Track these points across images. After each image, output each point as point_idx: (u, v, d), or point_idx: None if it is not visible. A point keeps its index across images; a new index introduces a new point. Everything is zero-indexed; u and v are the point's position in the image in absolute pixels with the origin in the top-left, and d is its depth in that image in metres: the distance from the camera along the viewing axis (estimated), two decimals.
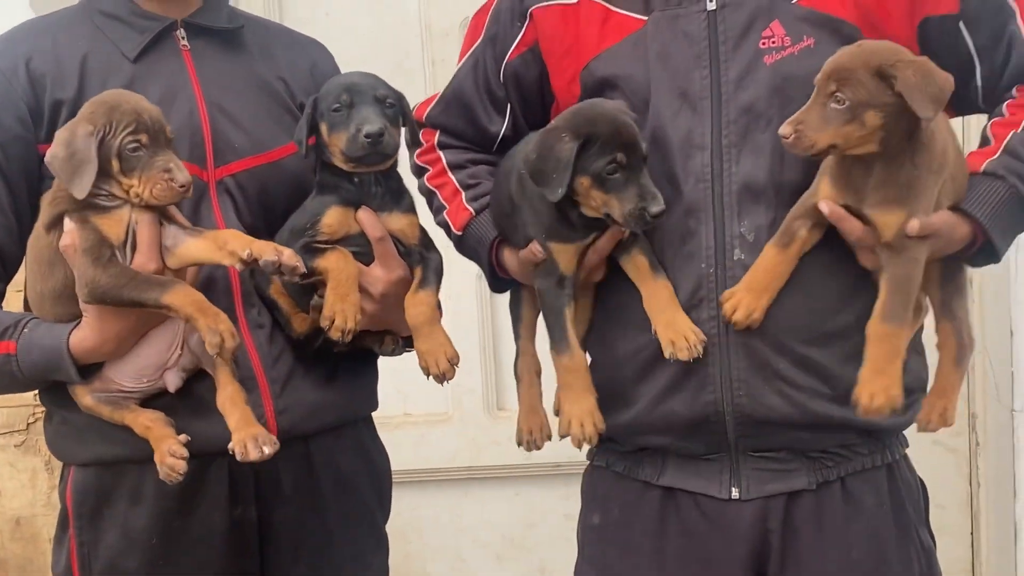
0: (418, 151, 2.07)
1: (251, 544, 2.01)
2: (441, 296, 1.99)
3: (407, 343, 2.05)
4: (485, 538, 3.63)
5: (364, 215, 1.93)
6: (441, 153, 2.04)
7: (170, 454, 1.82)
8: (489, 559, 3.64)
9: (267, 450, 1.82)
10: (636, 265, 1.82)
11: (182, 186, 1.78)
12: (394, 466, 2.26)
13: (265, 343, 1.98)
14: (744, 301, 1.73)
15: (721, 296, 1.76)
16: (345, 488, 2.10)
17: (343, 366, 2.07)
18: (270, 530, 2.02)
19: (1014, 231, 1.79)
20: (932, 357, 1.89)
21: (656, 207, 1.70)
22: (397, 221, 1.96)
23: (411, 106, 2.01)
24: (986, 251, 1.76)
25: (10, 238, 1.95)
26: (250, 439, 1.82)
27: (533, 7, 1.93)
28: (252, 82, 2.07)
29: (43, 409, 2.04)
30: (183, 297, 1.77)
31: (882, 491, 1.86)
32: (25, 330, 1.87)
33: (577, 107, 1.81)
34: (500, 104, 2.01)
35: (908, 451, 1.93)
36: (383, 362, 2.16)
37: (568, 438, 1.85)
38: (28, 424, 3.46)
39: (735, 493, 1.84)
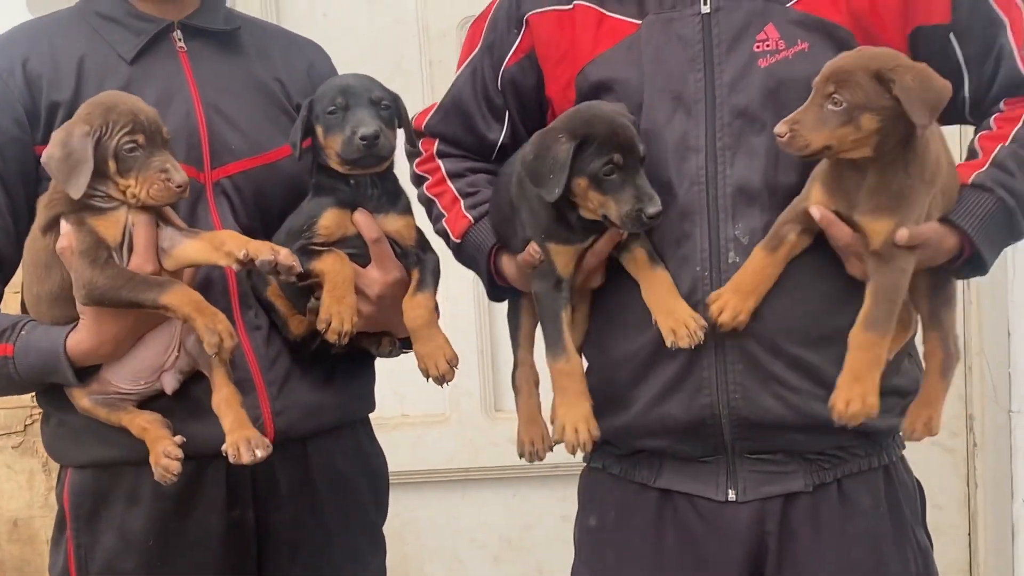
0: (417, 160, 2.08)
1: (248, 546, 2.01)
2: (439, 298, 1.99)
3: (404, 344, 2.05)
4: (482, 539, 3.64)
5: (360, 217, 1.93)
6: (440, 162, 2.04)
7: (165, 455, 1.83)
8: (486, 560, 3.64)
9: (259, 453, 1.82)
10: (634, 257, 1.82)
11: (179, 186, 1.78)
12: (391, 467, 2.26)
13: (262, 345, 1.98)
14: (731, 303, 1.73)
15: (708, 297, 1.76)
16: (342, 489, 2.10)
17: (340, 368, 2.07)
18: (267, 532, 2.02)
19: (1001, 243, 1.79)
20: None
21: (653, 208, 1.70)
22: (393, 223, 1.96)
23: (407, 108, 2.01)
24: (973, 263, 1.77)
25: (7, 240, 1.95)
26: (243, 441, 1.82)
27: (529, 13, 1.93)
28: (249, 83, 2.07)
29: (40, 411, 2.05)
30: (181, 297, 1.77)
31: (879, 493, 1.86)
32: (22, 332, 1.87)
33: (575, 109, 1.81)
34: (498, 112, 2.01)
35: (905, 452, 1.94)
36: (381, 363, 2.16)
37: (562, 444, 1.85)
38: (26, 426, 3.47)
39: (732, 495, 1.84)
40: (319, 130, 1.93)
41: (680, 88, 1.80)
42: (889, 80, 1.61)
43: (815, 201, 1.71)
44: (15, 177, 1.94)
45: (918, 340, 1.90)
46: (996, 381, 3.28)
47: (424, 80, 3.44)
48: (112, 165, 1.77)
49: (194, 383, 1.91)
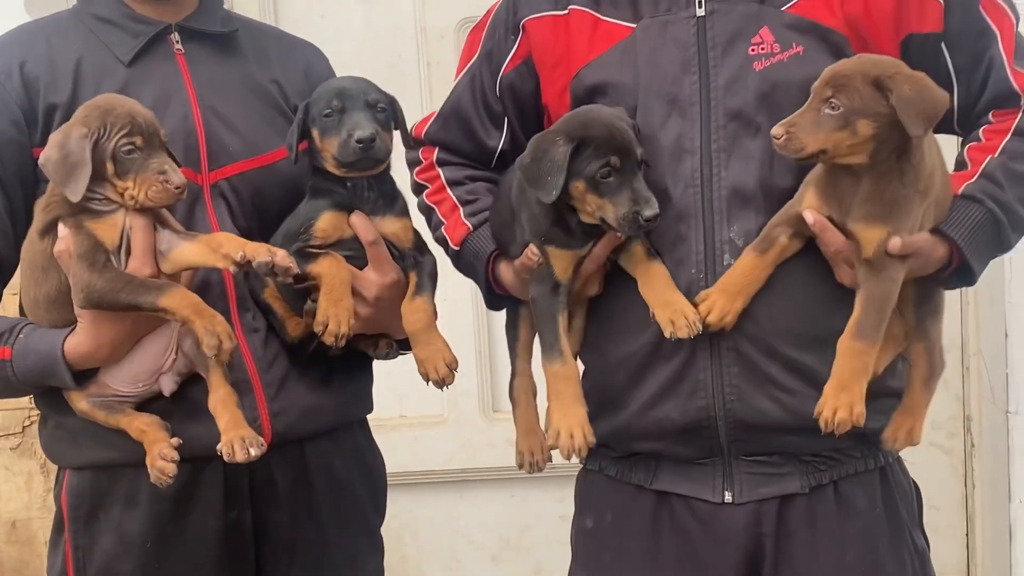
0: (417, 169, 2.08)
1: (246, 547, 2.01)
2: (437, 299, 1.99)
3: (401, 346, 2.05)
4: (481, 540, 3.64)
5: (357, 219, 1.94)
6: (440, 170, 2.04)
7: (160, 457, 1.83)
8: (485, 561, 3.64)
9: (254, 451, 1.82)
10: (632, 254, 1.82)
11: (177, 188, 1.78)
12: (389, 468, 2.26)
13: (260, 347, 1.99)
14: (718, 303, 1.74)
15: (696, 297, 1.76)
16: (340, 491, 2.10)
17: (338, 369, 2.07)
18: (265, 533, 2.02)
19: (989, 255, 1.80)
20: None
21: (649, 211, 1.70)
22: (390, 225, 1.96)
23: (405, 109, 2.01)
24: (961, 273, 1.78)
25: (5, 242, 1.95)
26: (237, 440, 1.82)
27: (525, 19, 1.94)
28: (246, 85, 2.07)
29: (39, 412, 2.05)
30: (180, 300, 1.77)
31: (875, 494, 1.87)
32: (20, 335, 1.87)
33: (573, 112, 1.82)
34: (497, 118, 2.01)
35: (903, 453, 1.93)
36: (378, 364, 2.16)
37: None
38: (24, 427, 3.46)
39: (728, 497, 1.84)
40: (315, 133, 1.93)
41: (675, 91, 1.81)
42: (887, 88, 1.62)
43: (809, 205, 1.72)
44: (13, 179, 1.94)
45: None
46: (994, 382, 3.27)
47: (422, 81, 3.44)
48: (110, 167, 1.77)
49: (192, 385, 1.92)
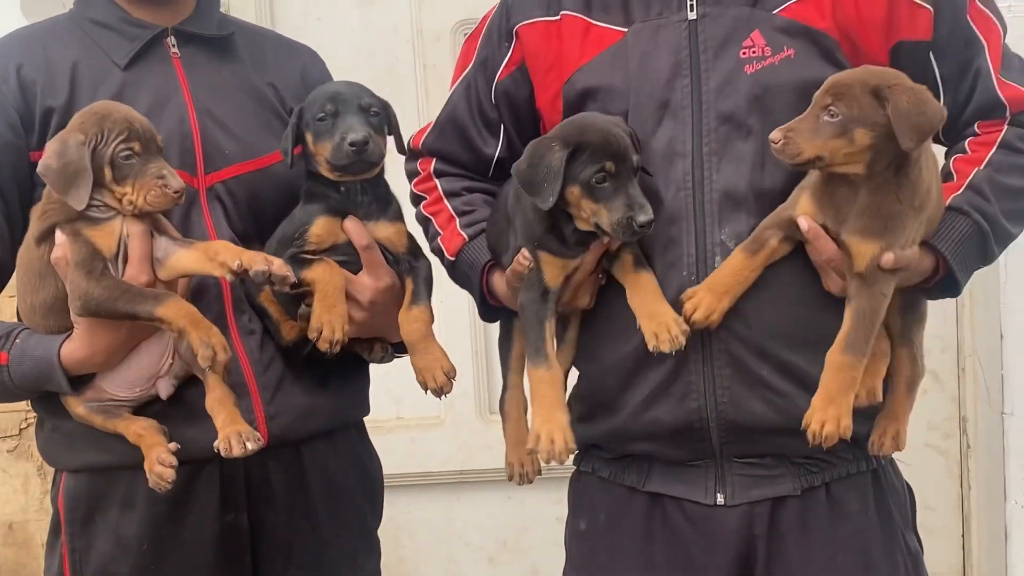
0: (415, 180, 2.08)
1: (242, 550, 2.01)
2: (434, 301, 1.99)
3: (396, 349, 2.05)
4: (477, 542, 3.64)
5: (350, 224, 1.94)
6: (437, 181, 2.04)
7: (159, 462, 1.83)
8: (481, 562, 3.64)
9: (250, 445, 1.83)
10: (621, 262, 1.82)
11: (176, 192, 1.79)
12: (386, 470, 2.27)
13: (256, 349, 1.99)
14: (705, 301, 1.74)
15: (683, 295, 1.76)
16: (337, 493, 2.10)
17: (334, 372, 2.07)
18: (261, 536, 2.02)
19: (973, 266, 1.81)
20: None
21: (644, 217, 1.70)
22: (384, 229, 1.97)
23: (401, 112, 2.02)
24: (946, 284, 1.79)
25: (2, 245, 1.95)
26: (234, 435, 1.83)
27: (518, 26, 1.94)
28: (242, 88, 2.08)
29: (36, 415, 2.05)
30: (176, 310, 1.78)
31: (867, 496, 1.87)
32: (17, 341, 1.88)
33: (569, 119, 1.82)
34: (493, 126, 2.01)
35: (898, 454, 1.94)
36: (375, 366, 2.16)
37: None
38: (21, 429, 3.46)
39: (720, 499, 1.84)
40: (309, 137, 1.94)
41: (667, 94, 1.81)
42: (885, 98, 1.63)
43: (803, 211, 1.72)
44: (10, 183, 1.94)
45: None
46: (989, 383, 3.28)
47: (418, 84, 3.44)
48: (108, 173, 1.78)
49: (188, 388, 1.92)
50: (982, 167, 1.76)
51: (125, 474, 1.93)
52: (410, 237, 2.01)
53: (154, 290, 1.80)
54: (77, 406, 1.90)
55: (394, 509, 2.40)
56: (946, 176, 1.80)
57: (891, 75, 1.67)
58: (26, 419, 3.42)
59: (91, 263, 1.78)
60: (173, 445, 1.85)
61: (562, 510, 2.07)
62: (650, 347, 1.75)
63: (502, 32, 1.97)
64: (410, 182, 2.09)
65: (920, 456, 3.22)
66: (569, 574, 2.02)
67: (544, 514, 3.48)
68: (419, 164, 2.07)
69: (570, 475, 2.07)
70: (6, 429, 3.48)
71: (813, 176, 1.73)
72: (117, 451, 1.89)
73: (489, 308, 2.00)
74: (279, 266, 1.79)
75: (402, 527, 3.56)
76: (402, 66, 3.46)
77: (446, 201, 2.02)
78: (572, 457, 1.99)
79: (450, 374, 1.94)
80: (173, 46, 2.03)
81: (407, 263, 1.98)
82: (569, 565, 2.02)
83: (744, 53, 1.79)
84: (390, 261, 1.97)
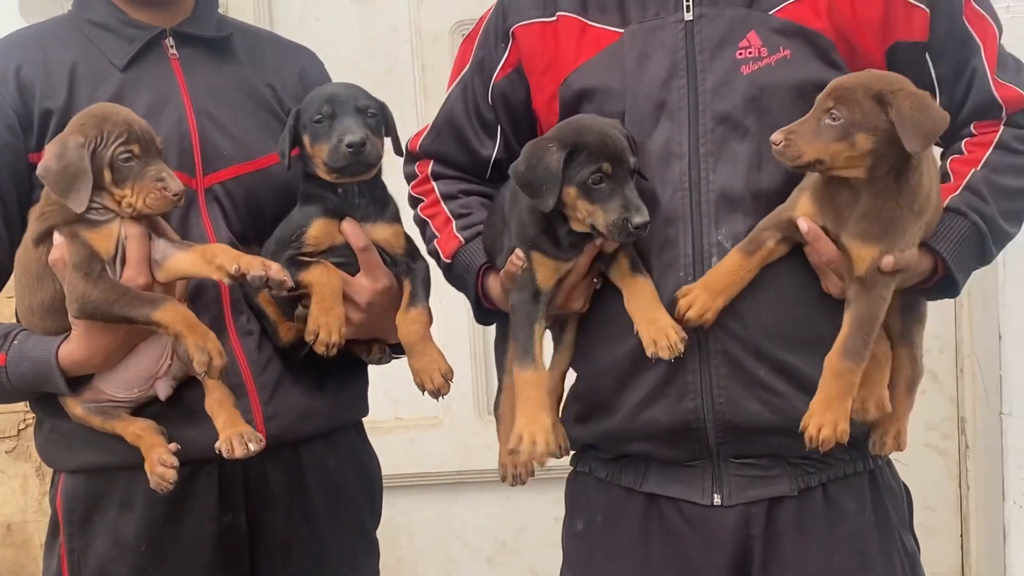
0: (413, 182, 2.09)
1: (241, 550, 2.01)
2: (432, 302, 2.00)
3: (394, 350, 2.05)
4: (476, 542, 3.64)
5: (348, 226, 1.94)
6: (434, 183, 2.05)
7: (160, 463, 1.83)
8: (480, 563, 3.64)
9: (252, 447, 1.83)
10: (618, 265, 1.82)
11: (175, 195, 1.79)
12: (385, 470, 2.27)
13: (254, 350, 1.99)
14: (700, 300, 1.74)
15: (678, 292, 1.77)
16: (335, 493, 2.10)
17: (333, 372, 2.07)
18: (260, 536, 2.03)
19: (973, 266, 1.81)
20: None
21: (639, 218, 1.70)
22: (381, 231, 1.97)
23: (400, 112, 2.02)
24: (945, 284, 1.79)
25: (0, 246, 1.95)
26: (236, 436, 1.83)
27: (514, 27, 1.94)
28: (241, 89, 2.08)
29: (34, 416, 2.05)
30: (173, 314, 1.78)
31: (864, 497, 1.87)
32: (15, 342, 1.88)
33: (566, 120, 1.82)
34: (490, 127, 2.01)
35: (897, 455, 1.94)
36: (374, 367, 2.16)
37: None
38: (19, 430, 3.46)
39: (717, 499, 1.84)
40: (306, 139, 1.94)
41: (663, 95, 1.81)
42: (887, 103, 1.63)
43: (803, 213, 1.72)
44: (8, 183, 1.94)
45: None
46: (988, 383, 3.29)
47: (416, 84, 3.44)
48: (107, 175, 1.78)
49: (187, 388, 1.92)
50: (979, 168, 1.77)
51: (123, 475, 1.93)
52: (408, 239, 2.01)
53: (151, 294, 1.80)
54: (75, 407, 1.90)
55: (392, 510, 2.40)
56: (943, 177, 1.80)
57: (894, 80, 1.67)
58: (24, 420, 3.42)
59: (89, 265, 1.78)
60: (173, 446, 1.86)
61: (560, 510, 2.07)
62: (648, 353, 1.75)
63: (498, 33, 1.97)
64: (408, 184, 2.09)
65: (919, 456, 3.22)
66: (566, 574, 2.02)
67: (542, 515, 3.48)
68: (416, 166, 2.07)
69: (567, 476, 2.07)
70: (4, 430, 3.48)
71: (812, 177, 1.73)
72: (115, 452, 1.89)
73: (484, 311, 2.01)
74: (276, 271, 1.79)
75: (400, 528, 3.56)
76: (401, 66, 3.46)
77: (443, 204, 2.02)
78: (569, 457, 2.00)
79: (447, 376, 1.94)
80: (171, 47, 2.03)
81: (405, 265, 1.98)
82: (566, 565, 2.02)
83: (740, 54, 1.79)
84: (388, 263, 1.97)
